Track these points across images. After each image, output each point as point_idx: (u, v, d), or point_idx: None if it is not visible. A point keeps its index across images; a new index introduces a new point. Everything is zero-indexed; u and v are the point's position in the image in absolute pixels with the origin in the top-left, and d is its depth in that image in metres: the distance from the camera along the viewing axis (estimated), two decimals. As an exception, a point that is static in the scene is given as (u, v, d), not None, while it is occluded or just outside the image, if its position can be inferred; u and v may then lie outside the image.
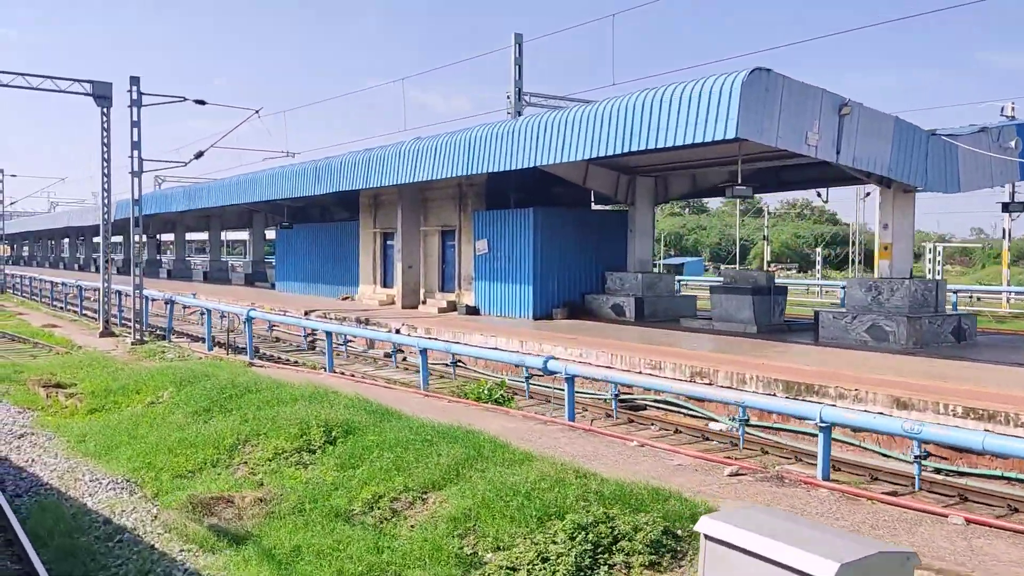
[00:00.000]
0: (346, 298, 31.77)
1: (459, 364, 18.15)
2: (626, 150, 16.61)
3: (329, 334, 17.59)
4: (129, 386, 15.05)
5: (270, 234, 46.97)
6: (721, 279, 26.62)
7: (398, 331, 22.19)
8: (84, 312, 35.09)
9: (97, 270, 65.10)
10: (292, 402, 11.53)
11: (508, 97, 30.52)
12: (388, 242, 30.22)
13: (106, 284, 27.33)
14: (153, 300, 27.71)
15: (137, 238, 24.96)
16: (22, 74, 25.53)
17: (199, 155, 25.24)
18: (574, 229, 23.83)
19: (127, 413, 13.28)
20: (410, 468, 8.56)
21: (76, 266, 70.03)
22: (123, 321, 30.45)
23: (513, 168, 21.08)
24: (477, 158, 21.96)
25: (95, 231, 63.61)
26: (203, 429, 11.29)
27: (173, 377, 14.61)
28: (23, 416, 14.71)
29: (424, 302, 27.41)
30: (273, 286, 39.66)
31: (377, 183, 26.18)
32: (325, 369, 17.50)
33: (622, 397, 13.79)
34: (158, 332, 27.23)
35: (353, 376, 17.22)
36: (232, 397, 12.23)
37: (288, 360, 21.26)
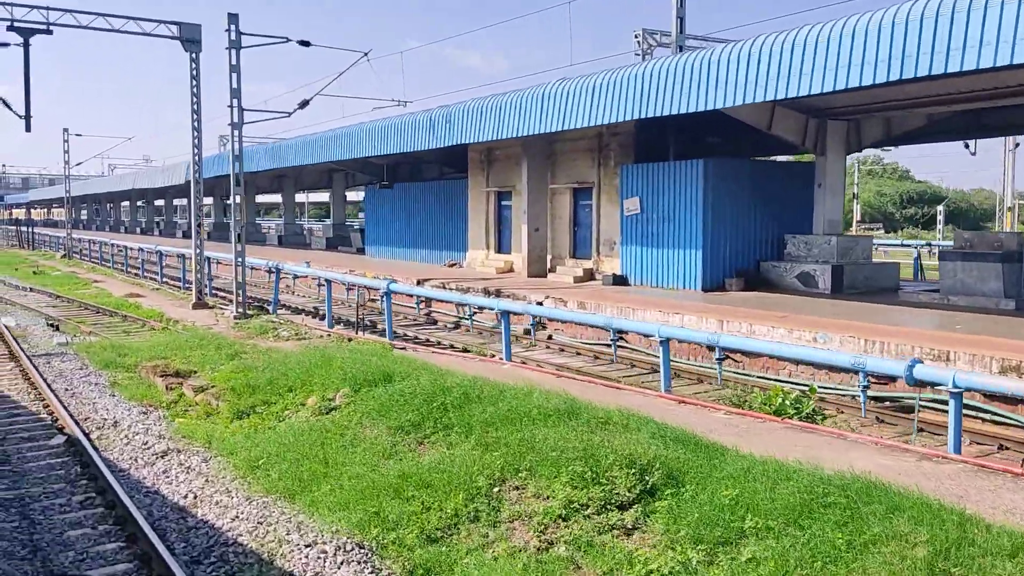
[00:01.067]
0: (452, 265, 28.64)
1: (621, 345, 15.06)
2: (890, 78, 12.98)
3: (506, 315, 14.34)
4: (277, 381, 12.02)
5: (350, 195, 43.90)
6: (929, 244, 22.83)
7: (540, 304, 19.00)
8: (165, 280, 32.51)
9: (161, 234, 63.10)
10: (543, 419, 8.34)
11: (637, 38, 26.83)
12: (503, 202, 26.91)
13: (199, 250, 24.50)
14: (254, 269, 24.78)
15: (238, 199, 21.96)
16: (103, 14, 22.51)
17: (304, 104, 22.07)
18: (749, 184, 20.23)
19: (296, 423, 10.23)
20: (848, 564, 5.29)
21: (138, 230, 68.10)
22: (212, 291, 27.73)
23: (685, 111, 17.58)
24: (631, 101, 18.48)
25: (159, 193, 61.39)
26: (429, 458, 8.17)
27: (339, 370, 11.53)
28: (151, 419, 11.80)
29: (553, 270, 24.13)
30: (360, 251, 36.72)
31: (498, 135, 22.81)
32: (497, 356, 14.37)
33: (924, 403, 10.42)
34: (257, 304, 24.39)
35: (540, 367, 14.02)
36: (448, 408, 9.06)
37: (434, 341, 18.17)
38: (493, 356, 15.03)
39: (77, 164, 46.65)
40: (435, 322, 22.09)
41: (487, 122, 22.96)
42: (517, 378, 11.29)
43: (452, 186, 29.31)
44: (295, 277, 25.56)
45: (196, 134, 24.11)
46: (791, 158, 32.02)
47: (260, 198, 63.59)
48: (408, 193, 31.75)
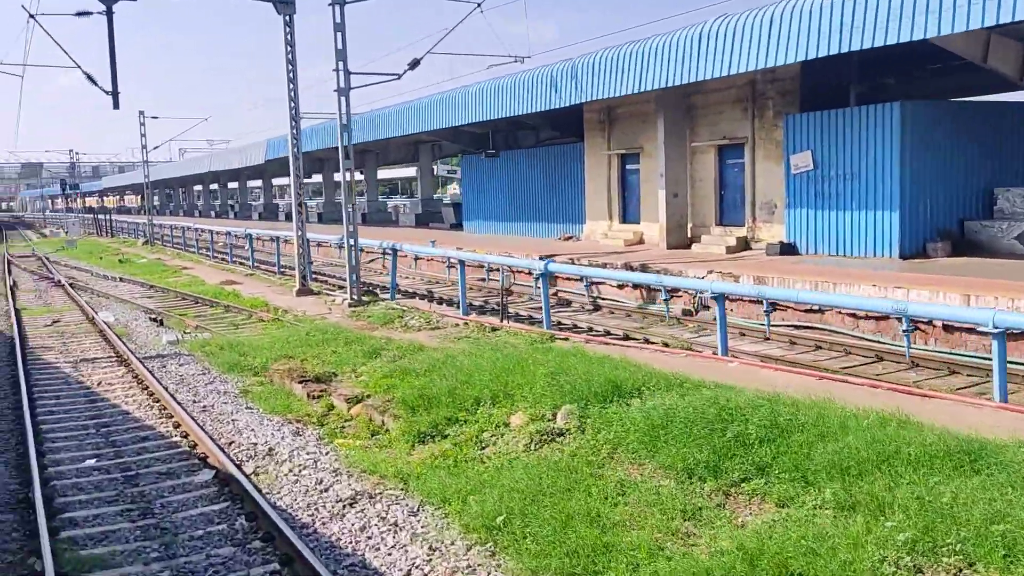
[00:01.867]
0: (568, 238, 26.02)
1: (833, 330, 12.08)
2: None
3: (721, 298, 11.62)
4: (459, 391, 9.61)
5: (404, 171, 41.54)
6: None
7: (702, 279, 16.29)
8: (257, 265, 30.70)
9: (236, 216, 61.89)
10: (927, 462, 5.70)
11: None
12: (628, 166, 24.12)
13: (301, 232, 22.36)
14: (366, 250, 22.56)
15: (348, 175, 19.64)
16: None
17: (415, 64, 19.56)
18: (952, 129, 17.09)
19: (513, 454, 7.76)
20: None
21: (212, 213, 67.20)
22: (280, 270, 25.65)
23: (882, 44, 14.53)
24: (804, 38, 15.46)
25: (233, 175, 60.12)
26: (759, 523, 5.60)
27: (545, 377, 9.05)
28: (310, 442, 9.51)
29: (697, 240, 21.32)
30: (455, 227, 34.40)
31: (633, 87, 20.00)
32: (708, 351, 11.73)
33: None
34: (368, 289, 22.19)
35: (791, 367, 11.31)
36: (754, 441, 6.48)
37: (599, 329, 15.60)
38: (699, 350, 12.36)
39: (154, 148, 45.28)
40: (568, 303, 19.58)
41: (617, 75, 20.17)
42: (763, 381, 8.67)
43: (564, 151, 26.62)
44: (416, 258, 23.25)
45: (293, 104, 21.86)
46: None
47: (338, 176, 61.91)
48: (512, 162, 29.16)
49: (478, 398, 9.38)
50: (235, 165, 48.24)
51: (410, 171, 56.94)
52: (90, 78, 19.98)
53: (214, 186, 68.23)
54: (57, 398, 12.03)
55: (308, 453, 9.05)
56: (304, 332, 15.72)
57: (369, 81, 19.20)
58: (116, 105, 20.17)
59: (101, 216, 61.99)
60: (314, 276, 26.44)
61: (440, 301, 20.87)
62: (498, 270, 18.34)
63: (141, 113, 44.18)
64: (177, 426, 10.36)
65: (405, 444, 8.97)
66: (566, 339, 14.14)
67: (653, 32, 21.23)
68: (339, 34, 19.21)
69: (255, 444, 9.48)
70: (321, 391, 11.62)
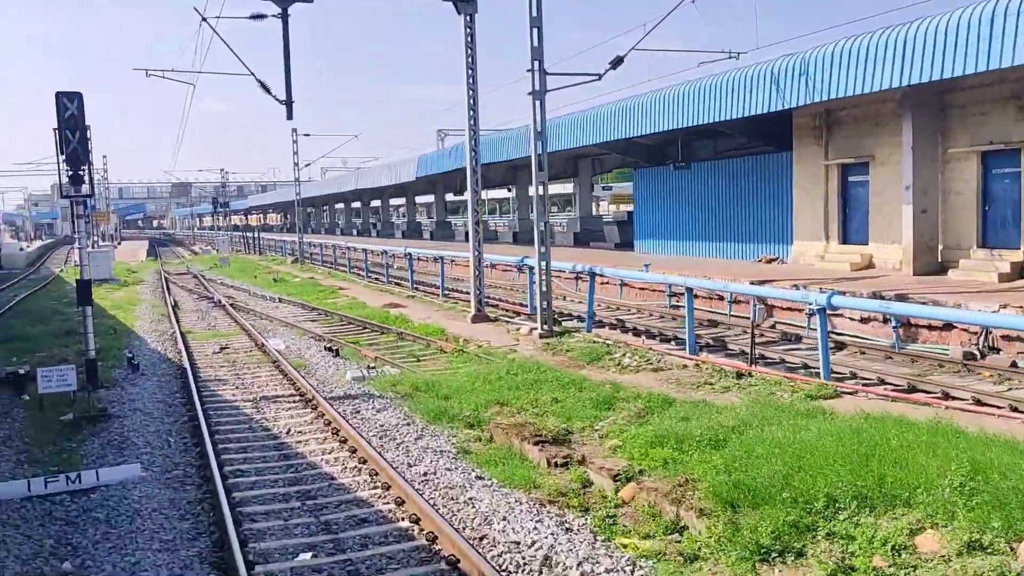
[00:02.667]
0: (770, 260, 22.83)
1: None
2: None
3: None
4: (795, 481, 6.84)
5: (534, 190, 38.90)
6: None
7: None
8: (417, 287, 28.99)
9: (378, 235, 61.38)
10: None
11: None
12: (851, 177, 20.76)
13: (478, 252, 20.23)
14: (561, 273, 20.15)
15: (542, 188, 17.28)
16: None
17: (617, 62, 17.04)
18: None
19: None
20: None
21: (354, 231, 67.29)
22: (445, 293, 23.54)
23: None
24: None
25: (376, 194, 59.75)
26: None
27: (939, 469, 6.18)
28: (582, 539, 6.98)
29: (952, 264, 17.73)
30: (621, 247, 31.69)
31: (861, 88, 16.78)
32: None
33: None
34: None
35: None
36: None
37: (887, 381, 12.43)
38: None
39: (306, 165, 44.99)
40: (797, 338, 16.43)
41: (850, 71, 17.00)
42: None
43: (765, 162, 23.49)
44: (623, 283, 20.67)
45: (472, 112, 19.83)
46: None
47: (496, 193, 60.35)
48: (699, 174, 26.21)
49: (830, 495, 6.57)
50: (383, 182, 47.37)
51: (562, 187, 54.68)
52: (264, 86, 18.57)
53: (356, 204, 68.30)
54: (245, 452, 10.06)
55: (594, 561, 6.48)
56: (503, 370, 13.37)
57: (567, 83, 16.82)
58: (290, 115, 18.69)
59: (249, 234, 62.99)
60: (453, 293, 24.34)
61: (636, 332, 18.17)
62: (754, 301, 15.43)
63: (294, 131, 44.04)
64: (400, 503, 8.06)
65: (738, 560, 6.25)
66: (853, 393, 11.14)
67: (887, 23, 18.01)
68: (535, 30, 16.97)
69: (516, 543, 7.01)
70: (565, 457, 9.11)
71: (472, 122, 19.84)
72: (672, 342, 16.59)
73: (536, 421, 10.37)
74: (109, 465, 9.48)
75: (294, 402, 12.66)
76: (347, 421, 10.96)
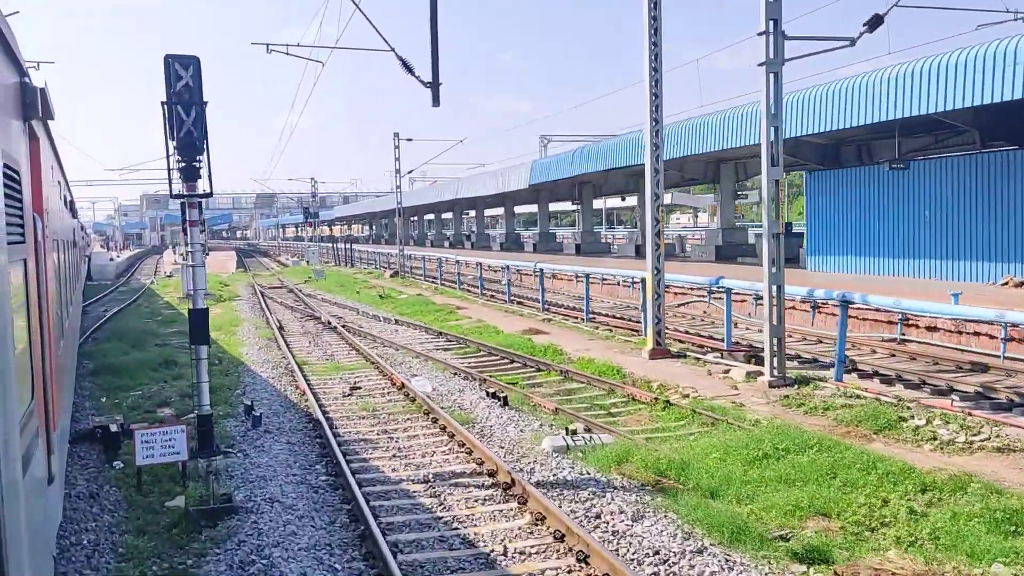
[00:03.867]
0: (1021, 284, 18.20)
1: None
2: None
3: None
4: None
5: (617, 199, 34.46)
6: None
7: None
8: (548, 308, 25.20)
9: (472, 247, 57.90)
10: None
11: None
12: None
13: (656, 271, 16.29)
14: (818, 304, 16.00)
15: (775, 186, 13.18)
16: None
17: (875, 22, 12.88)
18: None
19: None
20: None
21: (446, 243, 64.17)
22: (589, 317, 19.56)
23: None
24: None
25: (469, 203, 56.47)
26: None
27: None
28: None
29: None
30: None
31: None
32: None
33: None
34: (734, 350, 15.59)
35: None
36: None
37: None
38: None
39: (408, 172, 41.87)
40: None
41: None
42: None
43: (1008, 161, 18.83)
44: (816, 306, 16.35)
45: (654, 95, 15.96)
46: None
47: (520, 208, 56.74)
48: (885, 178, 21.65)
49: None
50: (489, 191, 43.89)
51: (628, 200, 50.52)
52: (406, 65, 15.08)
53: (446, 215, 65.18)
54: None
55: None
56: (763, 442, 9.46)
57: (809, 49, 12.75)
58: (436, 101, 15.13)
59: (340, 245, 60.48)
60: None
61: (871, 375, 13.86)
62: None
63: (396, 135, 40.93)
64: None
65: None
66: None
67: None
68: (764, -17, 12.98)
69: None
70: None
71: (654, 108, 15.94)
72: (980, 400, 12.24)
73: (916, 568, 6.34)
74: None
75: (485, 487, 8.90)
76: (592, 535, 7.14)
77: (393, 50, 15.21)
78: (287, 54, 18.78)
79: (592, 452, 9.75)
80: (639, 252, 37.32)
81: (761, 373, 13.24)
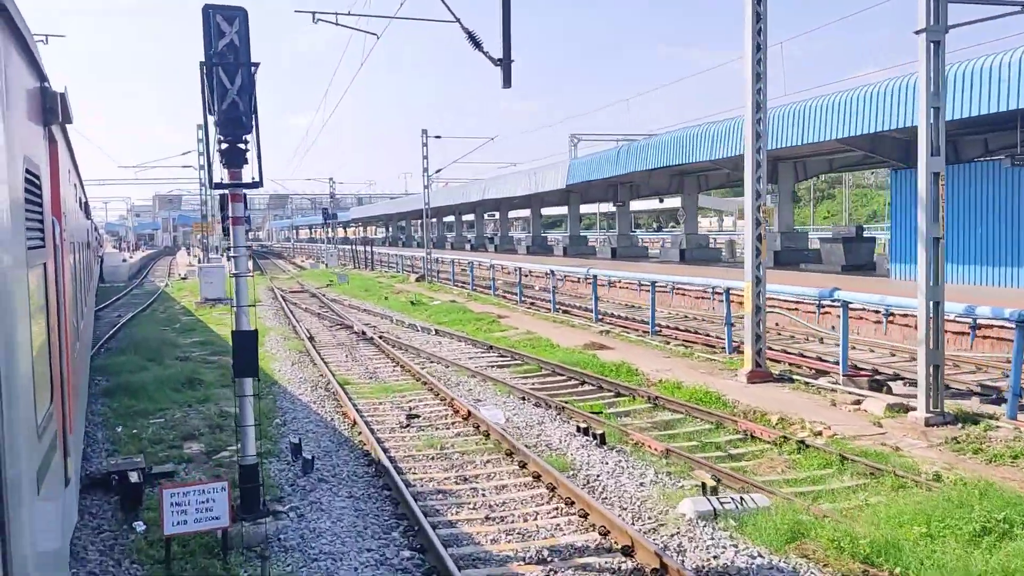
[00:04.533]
0: None
1: None
2: None
3: None
4: None
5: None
6: None
7: None
8: (601, 318, 23.02)
9: (496, 249, 55.71)
10: None
11: None
12: None
13: (758, 281, 14.08)
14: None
15: (933, 179, 10.95)
16: None
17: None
18: None
19: None
20: None
21: (467, 246, 62.07)
22: (656, 330, 17.34)
23: None
24: None
25: (493, 205, 54.38)
26: None
27: None
28: None
29: None
30: (853, 269, 25.07)
31: None
32: None
33: None
34: (872, 374, 13.31)
35: None
36: None
37: None
38: None
39: (437, 171, 39.75)
40: None
41: None
42: None
43: None
44: (888, 318, 14.08)
45: (757, 75, 13.78)
46: None
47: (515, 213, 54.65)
48: (1018, 177, 19.32)
49: None
50: (519, 192, 41.72)
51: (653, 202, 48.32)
52: (473, 39, 12.95)
53: (479, 216, 62.93)
54: None
55: None
56: (978, 509, 7.24)
57: (980, 15, 10.52)
58: (507, 81, 12.98)
59: (359, 247, 58.39)
60: (674, 332, 18.14)
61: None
62: None
63: (424, 132, 38.83)
64: None
65: None
66: None
67: None
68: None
69: None
70: None
71: (757, 92, 13.75)
72: None
73: None
74: None
75: (627, 574, 6.70)
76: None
77: (459, 21, 13.06)
78: (336, 24, 16.64)
79: (750, 520, 7.55)
80: (683, 257, 35.09)
81: (908, 407, 11.02)
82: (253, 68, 7.70)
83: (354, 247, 60.52)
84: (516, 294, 29.21)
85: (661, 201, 46.15)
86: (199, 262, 42.85)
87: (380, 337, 20.66)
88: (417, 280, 40.91)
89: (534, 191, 39.63)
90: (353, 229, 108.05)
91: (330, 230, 67.86)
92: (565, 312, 25.42)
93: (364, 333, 21.60)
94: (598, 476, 9.25)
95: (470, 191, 51.02)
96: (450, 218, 74.55)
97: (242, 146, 7.77)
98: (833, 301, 13.55)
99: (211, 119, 7.79)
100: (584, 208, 62.44)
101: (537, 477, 9.18)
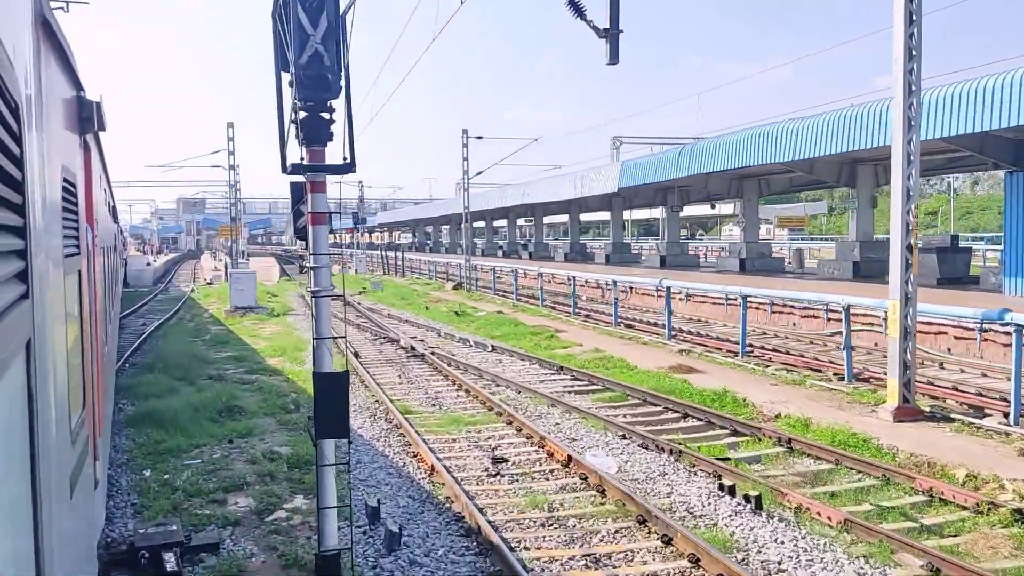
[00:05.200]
0: None
1: None
2: None
3: None
4: None
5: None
6: None
7: None
8: (676, 335, 20.73)
9: (531, 257, 53.36)
10: None
11: None
12: None
13: (907, 301, 11.79)
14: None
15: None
16: None
17: None
18: None
19: None
20: None
21: (499, 253, 59.93)
22: (746, 350, 15.00)
23: None
24: None
25: (526, 210, 52.25)
26: None
27: None
28: None
29: None
30: (946, 283, 22.67)
31: None
32: None
33: None
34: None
35: None
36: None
37: None
38: None
39: (477, 173, 37.66)
40: None
41: None
42: None
43: None
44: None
45: (911, 52, 11.50)
46: None
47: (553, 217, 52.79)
48: None
49: None
50: (563, 196, 39.53)
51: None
52: (576, 7, 10.79)
53: (512, 222, 60.79)
54: None
55: None
56: None
57: None
58: (614, 55, 10.85)
59: (390, 253, 56.43)
60: (752, 350, 15.83)
61: None
62: None
63: (465, 132, 36.79)
64: None
65: None
66: None
67: None
68: None
69: None
70: None
71: (909, 72, 11.48)
72: None
73: None
74: None
75: None
76: None
77: (557, -16, 10.94)
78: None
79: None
80: (743, 267, 32.73)
81: None
82: (343, 12, 5.56)
83: (383, 252, 58.52)
84: (568, 305, 27.01)
85: (713, 207, 43.82)
86: (225, 267, 41.00)
87: (432, 353, 18.54)
88: (454, 288, 38.84)
89: (581, 195, 37.43)
90: (378, 234, 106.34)
91: (359, 235, 65.96)
92: (628, 327, 23.19)
93: (413, 348, 19.48)
94: (774, 563, 7.01)
95: (507, 195, 48.86)
96: (479, 223, 72.50)
97: (326, 115, 5.63)
98: (1005, 323, 11.21)
99: (285, 79, 5.65)
100: (590, 217, 59.87)
101: (696, 561, 6.96)
